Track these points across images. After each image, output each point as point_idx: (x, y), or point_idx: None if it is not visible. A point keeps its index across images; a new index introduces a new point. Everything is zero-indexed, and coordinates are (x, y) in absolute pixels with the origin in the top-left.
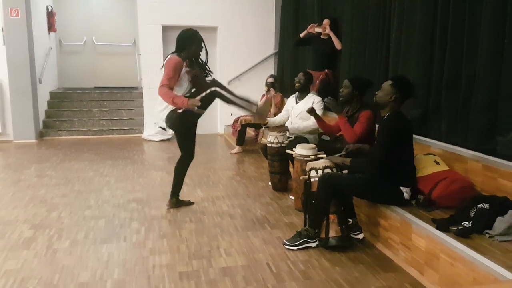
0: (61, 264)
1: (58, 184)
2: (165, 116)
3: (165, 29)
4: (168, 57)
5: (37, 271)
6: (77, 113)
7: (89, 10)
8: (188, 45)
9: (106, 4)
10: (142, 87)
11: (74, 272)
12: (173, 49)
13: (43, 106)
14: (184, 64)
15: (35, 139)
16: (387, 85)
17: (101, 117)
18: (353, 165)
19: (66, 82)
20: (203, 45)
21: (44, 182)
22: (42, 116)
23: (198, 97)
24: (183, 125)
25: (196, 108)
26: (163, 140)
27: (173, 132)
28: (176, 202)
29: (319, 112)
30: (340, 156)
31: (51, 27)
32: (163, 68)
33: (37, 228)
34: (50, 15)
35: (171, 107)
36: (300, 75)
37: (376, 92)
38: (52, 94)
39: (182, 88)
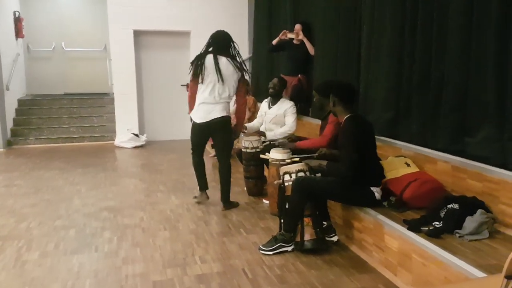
0: (31, 276)
1: (27, 194)
2: None
3: (137, 33)
4: (226, 60)
5: (5, 284)
6: (47, 121)
7: (58, 15)
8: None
9: (75, 9)
10: (113, 93)
11: (44, 284)
12: (146, 53)
13: (11, 114)
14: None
15: (3, 148)
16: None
17: (71, 124)
18: (329, 168)
19: (35, 89)
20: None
21: (13, 192)
22: (10, 124)
23: None
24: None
25: None
26: (136, 147)
27: (146, 139)
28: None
29: (292, 116)
30: (309, 157)
31: (18, 33)
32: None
33: (5, 240)
34: (17, 21)
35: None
36: (275, 80)
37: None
38: (20, 102)
39: None
